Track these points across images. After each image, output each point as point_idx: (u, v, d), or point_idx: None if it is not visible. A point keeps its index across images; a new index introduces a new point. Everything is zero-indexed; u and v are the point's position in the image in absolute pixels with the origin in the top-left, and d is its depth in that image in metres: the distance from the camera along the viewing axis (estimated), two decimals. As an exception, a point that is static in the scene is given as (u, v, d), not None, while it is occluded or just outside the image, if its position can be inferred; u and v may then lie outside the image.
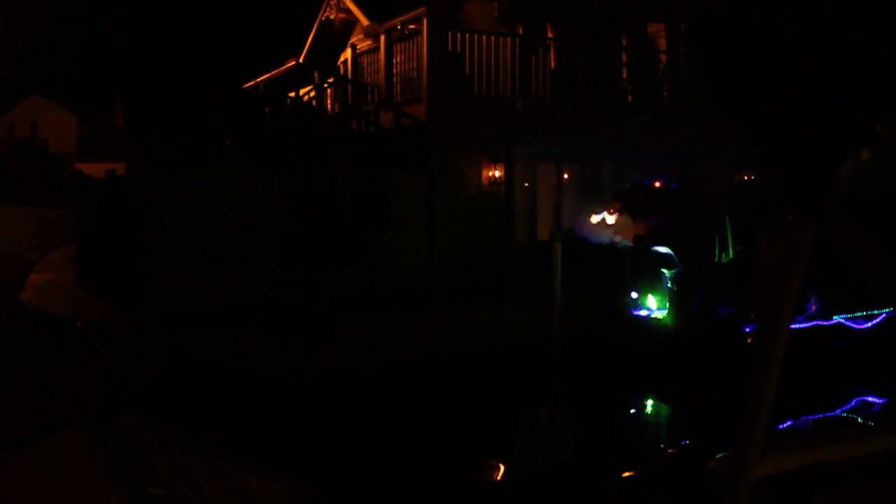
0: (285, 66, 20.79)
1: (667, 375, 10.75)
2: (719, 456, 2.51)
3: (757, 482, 2.43)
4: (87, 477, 5.93)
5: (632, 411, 10.60)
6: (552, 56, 14.78)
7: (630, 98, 15.35)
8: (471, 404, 9.78)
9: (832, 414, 9.82)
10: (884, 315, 11.62)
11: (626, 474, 7.66)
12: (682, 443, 9.16)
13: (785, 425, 9.57)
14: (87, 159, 19.42)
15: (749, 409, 2.47)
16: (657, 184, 11.80)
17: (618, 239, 11.60)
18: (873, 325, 11.52)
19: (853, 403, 10.23)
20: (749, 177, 17.53)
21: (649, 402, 10.87)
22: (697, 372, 10.49)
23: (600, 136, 13.44)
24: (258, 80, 22.22)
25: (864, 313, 11.49)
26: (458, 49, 13.70)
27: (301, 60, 19.95)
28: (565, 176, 15.85)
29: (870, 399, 10.43)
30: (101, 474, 6.04)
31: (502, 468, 8.25)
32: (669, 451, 8.41)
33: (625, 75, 15.65)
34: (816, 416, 9.71)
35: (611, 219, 11.72)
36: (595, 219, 11.93)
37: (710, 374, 10.36)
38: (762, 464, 2.43)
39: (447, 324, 12.20)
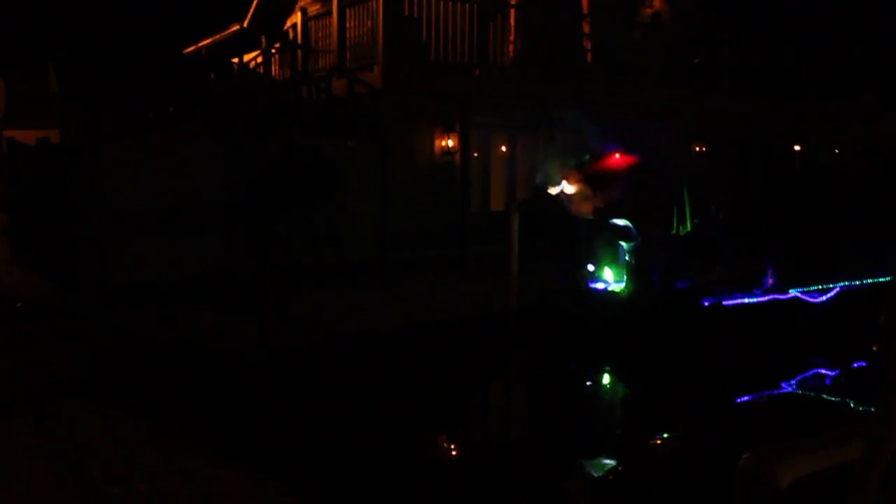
0: (229, 31, 20.27)
1: (624, 349, 10.79)
2: (752, 453, 2.40)
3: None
4: (34, 474, 5.55)
5: (589, 386, 10.65)
6: (511, 23, 14.60)
7: (589, 68, 15.25)
8: (427, 380, 9.72)
9: (790, 385, 9.98)
10: (837, 289, 11.81)
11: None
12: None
13: (743, 399, 9.72)
14: (18, 126, 18.76)
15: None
16: (616, 155, 11.78)
17: (578, 210, 11.59)
18: (828, 299, 11.71)
19: (808, 375, 10.40)
20: (702, 148, 17.62)
21: (607, 376, 10.92)
22: (655, 345, 10.53)
23: (557, 105, 13.31)
24: (200, 45, 21.65)
25: (820, 287, 11.65)
26: (415, 14, 13.45)
27: (245, 25, 19.47)
28: (520, 145, 15.75)
29: (823, 371, 10.61)
30: (49, 470, 5.66)
31: (458, 445, 8.21)
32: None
33: (585, 44, 15.56)
34: (776, 391, 9.86)
35: (570, 189, 11.70)
36: (554, 190, 11.90)
37: (669, 348, 10.42)
38: (801, 462, 2.33)
39: (401, 297, 12.06)
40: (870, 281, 12.07)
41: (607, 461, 7.65)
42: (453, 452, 8.10)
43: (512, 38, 14.61)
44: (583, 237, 12.51)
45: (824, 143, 20.06)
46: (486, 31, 14.01)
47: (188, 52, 21.98)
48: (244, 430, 7.42)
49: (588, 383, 10.73)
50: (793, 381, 10.10)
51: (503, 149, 15.61)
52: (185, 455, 5.90)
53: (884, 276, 12.32)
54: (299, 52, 15.57)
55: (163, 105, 15.16)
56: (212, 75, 17.21)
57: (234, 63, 18.28)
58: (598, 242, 12.12)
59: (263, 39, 16.85)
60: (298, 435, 7.54)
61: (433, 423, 8.46)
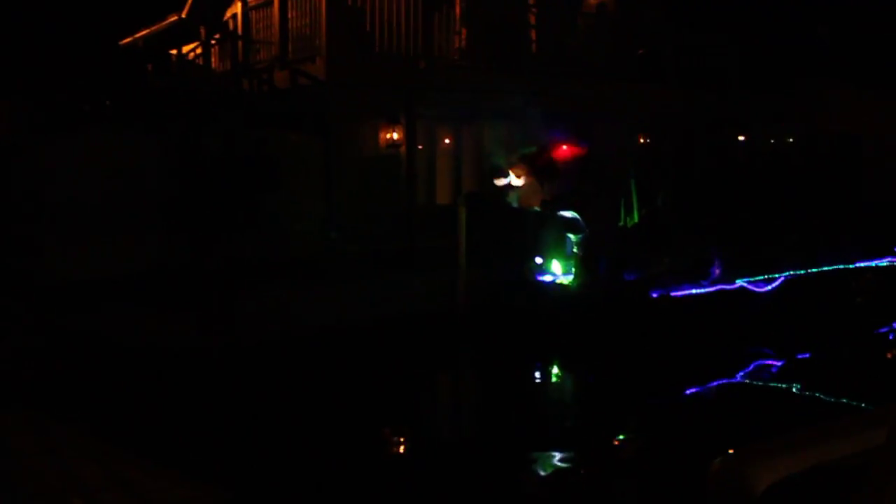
0: (166, 22, 19.80)
1: (573, 341, 10.75)
2: (725, 456, 2.27)
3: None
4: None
5: (538, 380, 10.60)
6: (457, 13, 14.46)
7: (534, 60, 15.18)
8: (375, 378, 9.55)
9: (736, 375, 10.04)
10: (782, 278, 11.92)
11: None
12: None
13: (689, 384, 9.75)
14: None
15: None
16: (563, 147, 11.73)
17: (526, 203, 11.53)
18: (773, 289, 11.81)
19: (754, 365, 10.47)
20: (647, 140, 17.70)
21: (555, 370, 10.88)
22: (604, 338, 10.51)
23: (503, 98, 13.24)
24: (136, 36, 21.12)
25: (766, 277, 11.74)
26: (359, 4, 13.25)
27: (184, 16, 19.04)
28: (465, 138, 15.63)
29: (770, 361, 10.69)
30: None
31: (407, 444, 8.08)
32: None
33: (532, 37, 15.48)
34: (720, 378, 9.92)
35: (517, 182, 11.62)
36: (501, 182, 11.81)
37: (618, 340, 10.40)
38: (776, 465, 2.20)
39: (348, 292, 11.87)
40: (814, 270, 12.21)
41: (557, 456, 7.57)
42: (403, 452, 7.95)
43: (457, 28, 14.47)
44: (530, 230, 12.45)
45: (767, 134, 20.32)
46: (432, 21, 13.86)
47: (125, 44, 21.42)
48: (187, 436, 7.15)
49: (537, 377, 10.68)
50: (740, 373, 10.16)
51: (448, 141, 15.47)
52: (126, 466, 5.55)
53: (827, 265, 12.50)
54: (240, 44, 15.24)
55: (99, 98, 14.68)
56: (149, 67, 16.75)
57: (172, 55, 17.83)
58: (546, 235, 12.07)
59: (202, 30, 16.45)
60: (244, 439, 7.30)
61: (380, 422, 8.30)
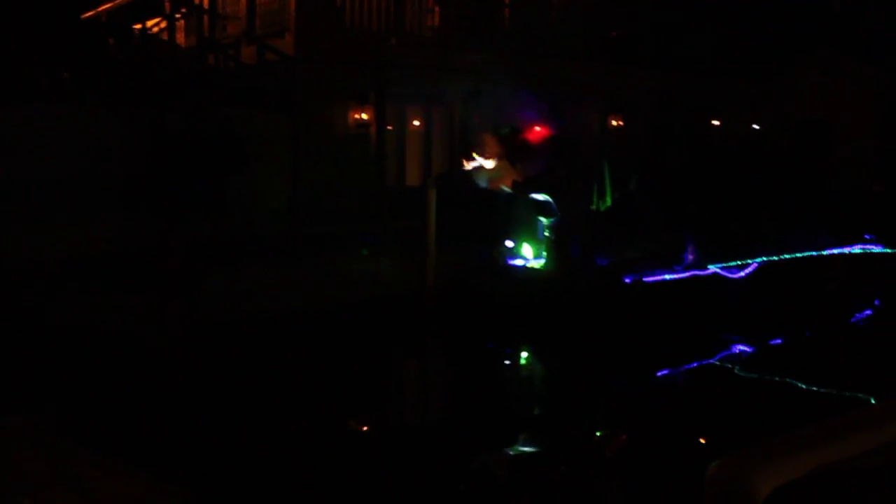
0: (129, -5, 19.33)
1: (544, 327, 10.60)
2: (724, 459, 2.07)
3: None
4: None
5: (508, 365, 10.44)
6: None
7: (508, 40, 14.95)
8: (341, 363, 9.34)
9: (709, 362, 9.96)
10: (755, 264, 11.84)
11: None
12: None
13: (663, 373, 9.66)
14: None
15: None
16: (536, 128, 11.51)
17: (498, 185, 11.32)
18: (746, 275, 11.73)
19: (728, 352, 10.40)
20: (620, 122, 17.56)
21: (526, 355, 10.73)
22: (576, 323, 10.37)
23: (475, 77, 13.02)
24: (99, 9, 20.63)
25: (739, 263, 11.66)
26: (329, -23, 12.96)
27: (148, -11, 18.57)
28: (435, 119, 15.39)
29: (742, 347, 10.63)
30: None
31: (371, 432, 7.90)
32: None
33: (506, 15, 15.25)
34: (693, 365, 9.83)
35: (489, 164, 11.40)
36: (472, 164, 11.58)
37: (590, 326, 10.27)
38: (778, 468, 2.02)
39: (315, 274, 11.66)
40: (787, 256, 12.15)
41: (524, 445, 7.42)
42: (367, 442, 7.73)
43: (430, 4, 14.21)
44: (501, 212, 12.27)
45: (740, 119, 20.31)
46: (404, -3, 13.62)
47: (87, 17, 20.91)
48: (144, 427, 6.86)
49: (506, 362, 10.52)
50: (713, 358, 10.07)
51: (419, 121, 15.22)
52: (77, 461, 5.21)
53: (800, 252, 12.45)
54: (206, 18, 14.88)
55: (57, 72, 14.26)
56: (111, 42, 16.32)
57: (135, 29, 17.39)
58: (517, 218, 11.89)
59: (167, 4, 16.06)
60: (204, 429, 7.02)
61: (345, 410, 8.09)
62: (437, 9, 14.38)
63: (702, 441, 7.22)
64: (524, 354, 10.75)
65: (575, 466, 6.75)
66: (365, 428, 8.06)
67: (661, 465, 6.49)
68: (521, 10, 15.55)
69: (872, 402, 8.37)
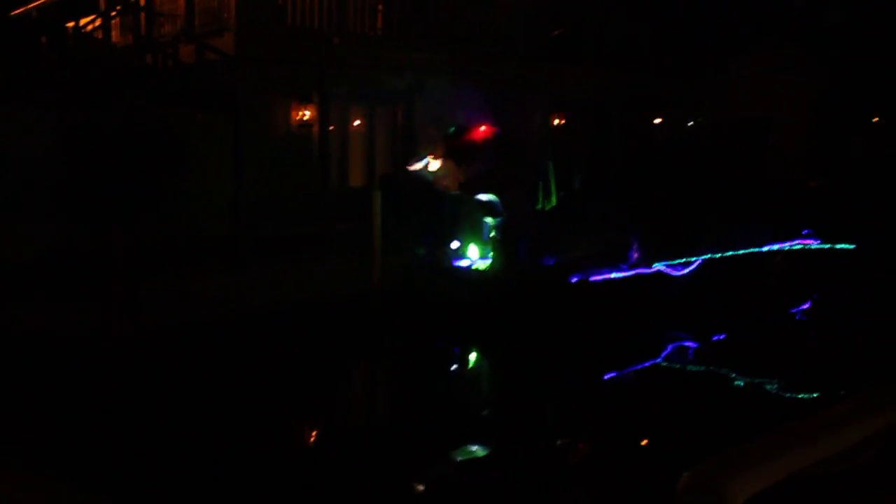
0: (61, -8, 18.81)
1: (492, 328, 10.59)
2: (695, 468, 2.04)
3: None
4: None
5: (456, 367, 10.42)
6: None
7: (452, 39, 14.88)
8: (285, 368, 9.22)
9: (656, 360, 10.04)
10: (699, 261, 11.98)
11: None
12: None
13: (612, 372, 9.71)
14: None
15: None
16: (482, 128, 11.50)
17: (443, 185, 11.27)
18: (690, 272, 11.86)
19: (674, 348, 10.52)
20: (562, 121, 17.63)
21: (474, 357, 10.71)
22: (523, 323, 10.37)
23: (419, 77, 12.95)
24: (30, 6, 20.05)
25: (683, 260, 11.77)
26: (271, -26, 12.76)
27: (82, -15, 18.09)
28: (378, 119, 15.27)
29: (688, 343, 10.75)
30: None
31: (312, 437, 7.81)
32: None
33: (448, 14, 15.17)
34: (642, 364, 9.91)
35: (434, 164, 11.35)
36: (418, 165, 11.53)
37: (537, 326, 10.28)
38: (753, 475, 1.99)
39: (260, 278, 11.48)
40: (729, 253, 12.32)
41: (474, 448, 7.38)
42: (307, 447, 7.62)
43: (374, 3, 14.08)
44: (447, 213, 12.22)
45: (681, 116, 20.55)
46: (347, -3, 13.47)
47: (16, 14, 20.31)
48: (75, 436, 6.65)
49: (454, 364, 10.49)
50: (659, 356, 10.17)
51: (362, 121, 15.09)
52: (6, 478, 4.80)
53: (742, 248, 12.63)
54: (142, 16, 14.53)
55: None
56: (43, 39, 15.86)
57: (69, 28, 16.93)
58: (463, 218, 11.86)
59: (102, 2, 15.66)
60: (139, 438, 6.83)
61: (285, 416, 7.98)
62: (380, 8, 14.25)
63: (663, 445, 7.25)
64: (473, 356, 10.73)
65: (539, 474, 6.72)
66: (313, 433, 7.96)
67: (627, 472, 6.50)
68: (464, 10, 15.50)
69: (814, 396, 8.58)
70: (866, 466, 2.27)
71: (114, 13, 15.57)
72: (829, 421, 2.40)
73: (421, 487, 6.52)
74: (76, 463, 5.86)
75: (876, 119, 27.16)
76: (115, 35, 15.65)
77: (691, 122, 20.72)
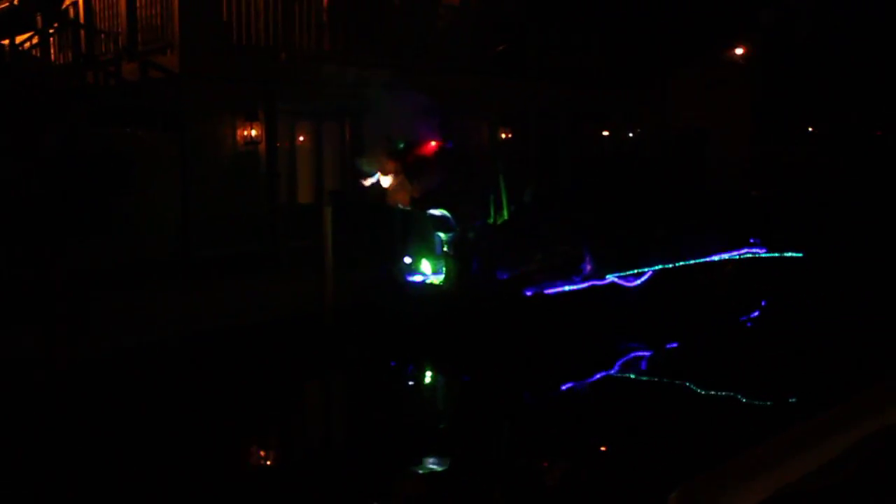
0: (-3, 9, 18.36)
1: (447, 343, 10.53)
2: (684, 487, 1.99)
3: None
4: None
5: (412, 384, 10.33)
6: (324, 4, 13.98)
7: (399, 54, 14.82)
8: (233, 390, 9.03)
9: (610, 371, 10.06)
10: (650, 272, 12.07)
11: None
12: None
13: (567, 386, 9.69)
14: None
15: None
16: (432, 143, 11.45)
17: (394, 201, 11.19)
18: (642, 282, 11.95)
19: (626, 358, 10.56)
20: (509, 135, 17.68)
21: (430, 373, 10.63)
22: (478, 338, 10.33)
23: (366, 92, 12.82)
24: (-38, 24, 19.54)
25: (635, 271, 11.86)
26: (216, -9, 12.56)
27: (16, 2, 17.66)
28: (326, 135, 15.14)
29: (641, 353, 10.82)
30: None
31: (265, 460, 7.65)
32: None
33: (394, 29, 15.12)
34: (598, 375, 9.91)
35: (386, 180, 11.27)
36: (369, 181, 11.44)
37: (492, 340, 10.24)
38: (742, 493, 1.95)
39: (209, 298, 11.23)
40: (680, 263, 12.45)
41: (429, 467, 7.28)
42: (260, 472, 7.44)
43: (319, 19, 13.97)
44: (398, 229, 12.16)
45: (626, 129, 20.79)
46: (293, 11, 13.31)
47: (-51, 33, 19.79)
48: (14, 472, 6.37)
49: (409, 381, 10.40)
50: (613, 367, 10.21)
51: (310, 137, 14.94)
52: None
53: (692, 258, 12.77)
54: (82, 33, 14.20)
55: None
56: (-22, 58, 15.43)
57: (4, 45, 16.51)
58: (415, 233, 11.82)
59: (39, 18, 15.27)
60: (86, 468, 6.60)
61: (236, 440, 7.80)
62: (327, 23, 14.14)
63: (626, 458, 7.22)
64: (427, 371, 10.64)
65: (515, 499, 6.62)
66: (258, 455, 7.80)
67: (606, 494, 6.44)
68: (410, 26, 15.47)
69: (768, 404, 8.66)
70: (850, 481, 2.26)
71: (52, 30, 15.19)
72: (810, 435, 2.39)
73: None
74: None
75: (811, 129, 27.88)
76: (53, 53, 15.28)
77: (631, 135, 20.97)
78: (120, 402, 8.32)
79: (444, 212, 11.40)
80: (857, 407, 2.62)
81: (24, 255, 10.55)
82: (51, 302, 9.55)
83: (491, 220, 11.98)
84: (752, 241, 13.92)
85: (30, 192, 11.28)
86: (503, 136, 17.64)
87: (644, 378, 10.19)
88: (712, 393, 9.15)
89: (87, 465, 6.84)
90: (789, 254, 14.14)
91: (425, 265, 11.68)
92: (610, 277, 11.61)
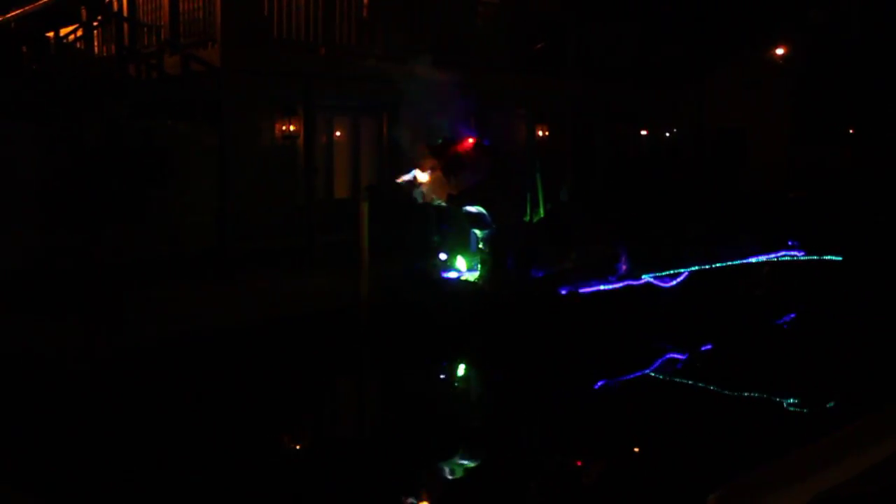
0: (41, 1, 18.59)
1: (481, 340, 10.51)
2: (721, 491, 1.97)
3: None
4: None
5: (445, 379, 10.32)
6: (364, 1, 14.05)
7: (438, 51, 14.81)
8: (271, 382, 9.08)
9: (643, 371, 10.00)
10: (686, 273, 11.97)
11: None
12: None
13: (601, 384, 9.65)
14: None
15: None
16: (469, 140, 11.42)
17: (431, 198, 11.18)
18: (677, 283, 11.85)
19: (662, 360, 10.48)
20: (546, 133, 17.61)
21: (463, 369, 10.61)
22: (513, 336, 10.30)
23: (403, 88, 12.83)
24: (8, 15, 19.80)
25: (671, 272, 11.76)
26: (257, -14, 12.67)
27: (61, -5, 17.90)
28: (363, 130, 15.18)
29: (676, 355, 10.72)
30: None
31: (304, 453, 7.69)
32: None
33: (433, 27, 15.13)
34: (632, 376, 9.86)
35: (423, 177, 11.25)
36: (406, 177, 11.43)
37: (526, 338, 10.21)
38: (783, 498, 1.92)
39: (246, 291, 11.31)
40: (717, 264, 12.33)
41: (464, 463, 7.28)
42: (300, 464, 7.47)
43: (360, 14, 14.02)
44: (434, 225, 12.14)
45: (662, 127, 20.63)
46: (333, 7, 13.36)
47: (-5, 24, 20.08)
48: (67, 459, 6.43)
49: (442, 377, 10.40)
50: (648, 368, 10.13)
51: (348, 132, 14.99)
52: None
53: (728, 259, 12.64)
54: (125, 26, 14.35)
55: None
56: (24, 49, 15.63)
57: (49, 38, 16.72)
58: (451, 230, 11.78)
59: (83, 11, 15.45)
60: (132, 457, 6.66)
61: (276, 432, 7.86)
62: (366, 19, 14.19)
63: (662, 458, 7.17)
64: (461, 369, 10.63)
65: (550, 495, 6.61)
66: (297, 448, 7.84)
67: (645, 495, 6.40)
68: (449, 23, 15.47)
69: (804, 409, 8.56)
70: (888, 489, 2.22)
71: (95, 23, 15.37)
72: (848, 442, 2.36)
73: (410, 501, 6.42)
74: (70, 484, 5.68)
75: (852, 130, 27.45)
76: (96, 46, 15.47)
77: (668, 134, 20.81)
78: (161, 389, 8.39)
79: (481, 209, 11.35)
80: (892, 417, 2.57)
81: (66, 245, 10.70)
82: (92, 292, 9.68)
83: (527, 218, 11.95)
84: (789, 243, 13.74)
85: (73, 184, 11.43)
86: (540, 133, 17.58)
87: (678, 379, 10.11)
88: (747, 395, 9.07)
89: (136, 447, 6.93)
90: (828, 257, 13.94)
91: (460, 262, 11.66)
92: (645, 278, 11.52)
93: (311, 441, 8.20)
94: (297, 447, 8.00)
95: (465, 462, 7.32)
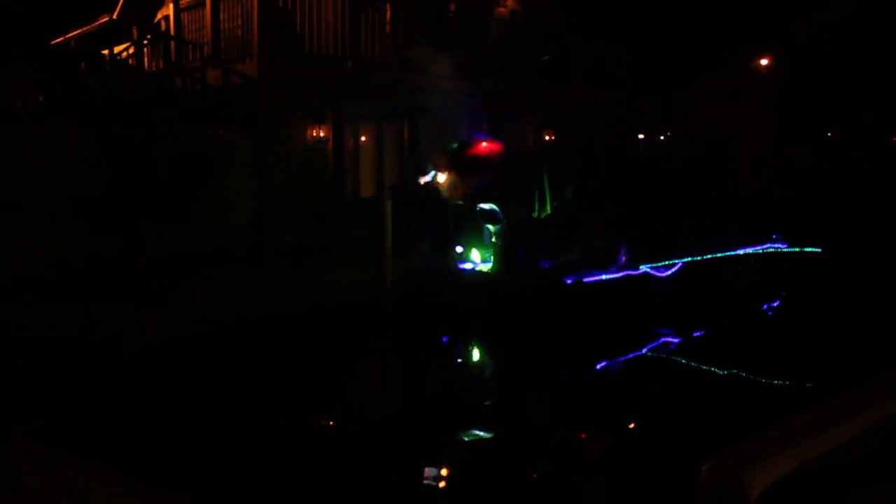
0: (98, 23, 18.69)
1: (494, 325, 10.51)
2: (715, 460, 1.93)
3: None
4: None
5: (463, 361, 10.34)
6: (387, 17, 14.01)
7: (454, 62, 14.80)
8: (308, 364, 9.10)
9: (641, 353, 9.97)
10: (680, 264, 11.90)
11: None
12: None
13: (602, 365, 9.62)
14: None
15: None
16: (483, 144, 11.41)
17: (448, 196, 11.19)
18: (672, 273, 11.78)
19: (658, 343, 10.44)
20: (552, 136, 17.59)
21: (478, 352, 10.62)
22: (523, 321, 10.29)
23: (423, 96, 12.84)
24: (68, 36, 19.91)
25: (666, 263, 11.70)
26: (289, 6, 12.67)
27: (115, 17, 17.98)
28: (386, 135, 15.19)
29: (670, 339, 10.68)
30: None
31: (342, 430, 7.69)
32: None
33: (449, 40, 15.10)
34: (629, 356, 9.84)
35: (441, 177, 11.26)
36: (426, 177, 11.44)
37: (535, 323, 10.20)
38: (769, 466, 1.90)
39: (280, 282, 11.33)
40: (707, 256, 12.24)
41: (481, 436, 7.25)
42: (340, 441, 7.45)
43: (384, 31, 14.02)
44: (451, 221, 12.14)
45: (656, 132, 20.54)
46: (359, 24, 13.36)
47: (56, 43, 20.16)
48: (132, 435, 6.42)
49: (461, 359, 10.42)
50: (645, 348, 10.11)
51: (373, 137, 15.01)
52: (72, 472, 4.63)
53: (718, 252, 12.56)
54: (172, 44, 14.41)
55: (31, 95, 13.64)
56: (82, 66, 15.71)
57: (104, 55, 16.81)
58: (466, 226, 11.78)
59: (135, 31, 15.52)
60: (189, 435, 6.66)
61: (316, 411, 7.88)
62: (389, 34, 14.19)
63: (662, 433, 7.12)
64: (476, 352, 10.63)
65: (558, 466, 6.56)
66: (328, 426, 7.85)
67: (644, 464, 6.34)
68: (465, 36, 15.44)
69: (788, 386, 8.50)
70: (866, 457, 2.20)
71: (145, 42, 15.44)
72: (832, 414, 2.33)
73: (430, 479, 6.37)
74: (139, 457, 5.69)
75: (830, 134, 27.27)
76: (146, 62, 15.53)
77: (662, 138, 20.70)
78: (207, 373, 8.43)
79: (493, 206, 11.35)
80: (873, 391, 2.54)
81: (118, 241, 10.74)
82: (141, 282, 9.73)
83: (535, 214, 11.93)
84: (773, 236, 13.64)
85: (124, 185, 11.48)
86: (547, 137, 17.55)
87: (673, 359, 10.08)
88: (735, 372, 9.03)
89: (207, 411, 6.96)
90: (808, 249, 13.83)
91: (475, 254, 11.66)
92: (643, 268, 11.46)
93: (345, 409, 8.24)
94: (334, 412, 8.03)
95: (482, 431, 7.31)
